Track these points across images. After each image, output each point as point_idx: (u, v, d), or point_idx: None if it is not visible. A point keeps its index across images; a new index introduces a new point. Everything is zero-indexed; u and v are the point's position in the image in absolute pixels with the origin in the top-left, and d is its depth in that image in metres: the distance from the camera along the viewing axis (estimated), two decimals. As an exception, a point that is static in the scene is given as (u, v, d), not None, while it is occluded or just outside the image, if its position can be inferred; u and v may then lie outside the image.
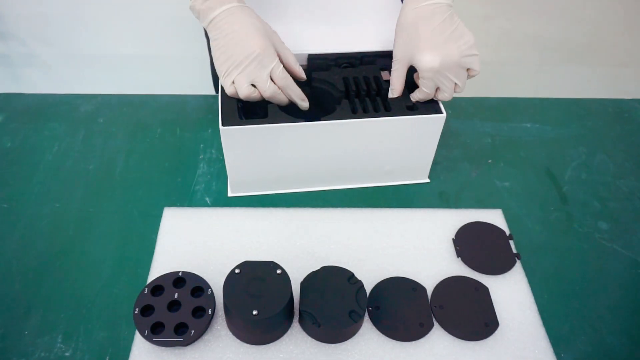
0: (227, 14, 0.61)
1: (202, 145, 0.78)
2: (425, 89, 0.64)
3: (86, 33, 1.76)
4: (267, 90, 0.61)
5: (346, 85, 0.68)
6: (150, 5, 1.63)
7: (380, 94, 0.68)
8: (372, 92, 0.68)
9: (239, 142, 0.63)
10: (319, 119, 0.63)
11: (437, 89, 0.65)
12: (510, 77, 1.89)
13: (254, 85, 0.61)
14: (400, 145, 0.68)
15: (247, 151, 0.65)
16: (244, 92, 0.61)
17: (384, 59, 0.72)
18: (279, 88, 0.63)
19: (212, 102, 0.86)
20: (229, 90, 0.62)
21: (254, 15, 0.63)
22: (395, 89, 0.67)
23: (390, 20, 0.75)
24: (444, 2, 0.63)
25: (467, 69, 0.64)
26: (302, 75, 0.66)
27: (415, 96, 0.66)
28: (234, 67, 0.60)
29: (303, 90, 0.67)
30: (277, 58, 0.62)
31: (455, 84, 0.64)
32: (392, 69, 0.67)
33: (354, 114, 0.65)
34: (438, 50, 0.61)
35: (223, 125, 0.61)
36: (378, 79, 0.69)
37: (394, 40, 0.66)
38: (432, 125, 0.67)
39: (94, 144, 0.78)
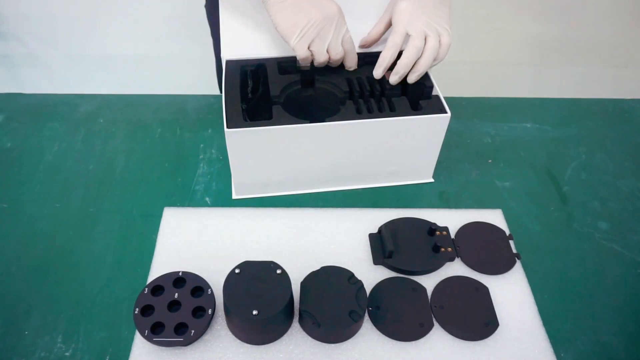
0: None
1: (202, 145, 0.78)
2: (393, 40, 0.63)
3: (86, 33, 1.76)
4: (338, 54, 0.63)
5: (350, 86, 0.68)
6: (150, 6, 1.64)
7: (384, 94, 0.68)
8: (376, 93, 0.68)
9: (244, 144, 0.63)
10: (323, 120, 0.63)
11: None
12: (510, 77, 1.89)
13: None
14: (405, 145, 0.68)
15: (252, 153, 0.65)
16: (321, 59, 0.62)
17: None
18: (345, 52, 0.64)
19: (212, 102, 0.87)
20: (302, 54, 0.62)
21: None
22: (369, 37, 0.68)
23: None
24: None
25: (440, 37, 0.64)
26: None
27: (385, 57, 0.65)
28: (311, 29, 0.60)
29: (306, 92, 0.68)
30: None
31: (427, 37, 0.63)
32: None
33: (358, 114, 0.65)
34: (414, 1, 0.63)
35: (228, 127, 0.61)
36: (381, 79, 0.69)
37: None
38: (436, 125, 0.67)
39: (94, 144, 0.78)
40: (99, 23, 1.72)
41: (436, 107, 0.66)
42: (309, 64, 0.65)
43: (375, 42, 0.70)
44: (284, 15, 0.60)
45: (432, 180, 0.74)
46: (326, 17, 0.60)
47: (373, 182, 0.73)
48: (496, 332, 0.57)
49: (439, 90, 0.68)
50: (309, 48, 0.62)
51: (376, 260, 0.63)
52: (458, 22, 0.69)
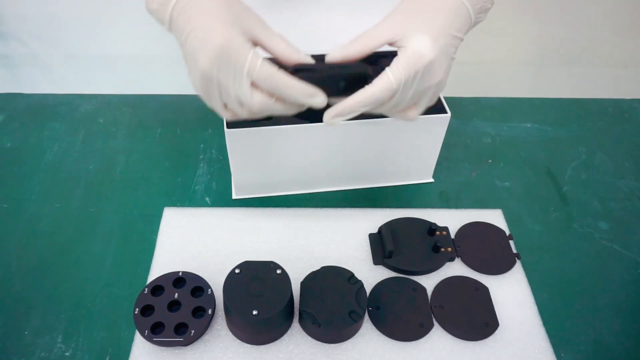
0: (183, 4, 0.46)
1: (202, 145, 0.78)
2: (390, 73, 0.46)
3: (86, 33, 1.76)
4: (254, 103, 0.45)
5: None
6: (150, 5, 1.63)
7: None
8: None
9: (244, 144, 0.63)
10: (323, 120, 0.63)
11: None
12: (510, 77, 1.89)
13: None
14: (405, 145, 0.68)
15: (252, 153, 0.65)
16: (228, 117, 0.48)
17: (388, 59, 0.71)
18: (269, 92, 0.45)
19: (212, 102, 0.86)
20: (227, 116, 0.49)
21: None
22: (349, 50, 0.48)
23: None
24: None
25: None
26: (302, 58, 0.47)
27: (364, 96, 0.47)
28: (210, 85, 0.45)
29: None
30: (251, 47, 0.44)
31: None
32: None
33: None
34: (437, 40, 0.47)
35: (228, 127, 0.61)
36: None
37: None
38: (436, 125, 0.67)
39: (94, 144, 0.78)
40: (99, 23, 1.72)
41: (436, 107, 0.66)
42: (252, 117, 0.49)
43: (353, 59, 0.49)
44: (188, 70, 0.49)
45: (432, 180, 0.74)
46: (200, 80, 0.45)
47: (373, 182, 0.73)
48: (496, 332, 0.57)
49: (439, 90, 0.68)
50: (225, 107, 0.48)
51: (376, 260, 0.63)
52: (458, 22, 0.68)
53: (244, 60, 0.43)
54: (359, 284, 0.56)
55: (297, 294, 0.57)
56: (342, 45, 0.48)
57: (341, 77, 0.48)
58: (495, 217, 0.69)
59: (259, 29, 0.46)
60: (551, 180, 0.76)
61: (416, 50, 0.46)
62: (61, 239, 0.65)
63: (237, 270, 0.55)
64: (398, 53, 0.47)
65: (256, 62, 0.44)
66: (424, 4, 0.49)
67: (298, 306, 0.57)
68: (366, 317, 0.58)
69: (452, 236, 0.66)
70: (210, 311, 0.55)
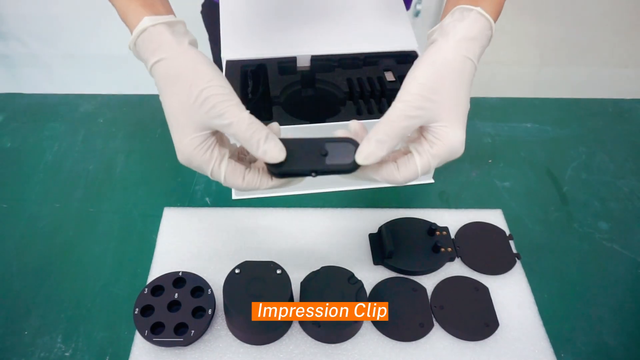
0: (157, 72, 0.45)
1: (202, 145, 0.78)
2: (420, 166, 0.44)
3: (86, 33, 1.76)
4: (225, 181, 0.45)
5: (350, 87, 0.68)
6: (150, 5, 1.63)
7: (385, 95, 0.67)
8: (377, 93, 0.67)
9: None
10: (323, 120, 0.63)
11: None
12: (510, 77, 1.89)
13: None
14: None
15: None
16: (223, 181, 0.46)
17: (388, 59, 0.71)
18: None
19: (212, 102, 0.86)
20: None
21: (184, 71, 0.43)
22: (372, 152, 0.44)
23: (393, 21, 0.75)
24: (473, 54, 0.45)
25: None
26: (275, 155, 0.44)
27: (397, 175, 0.46)
28: (191, 167, 0.46)
29: (306, 92, 0.67)
30: (213, 154, 0.44)
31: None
32: (387, 115, 0.44)
33: (358, 115, 0.65)
34: (465, 123, 0.44)
35: None
36: (382, 79, 0.69)
37: (415, 68, 0.45)
38: None
39: (94, 144, 0.78)
40: (99, 23, 1.72)
41: None
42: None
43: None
44: None
45: (432, 180, 0.74)
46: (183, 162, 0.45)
47: (373, 182, 0.73)
48: (496, 332, 0.57)
49: (439, 90, 0.68)
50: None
51: (376, 260, 0.63)
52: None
53: (207, 173, 0.44)
54: (359, 284, 0.56)
55: (297, 294, 0.57)
56: (364, 153, 0.44)
57: (322, 147, 0.46)
58: (495, 217, 0.69)
59: (217, 119, 0.42)
60: (551, 180, 0.76)
61: (450, 146, 0.44)
62: (61, 239, 0.65)
63: (237, 270, 0.55)
64: (427, 137, 0.44)
65: (220, 175, 0.44)
66: (440, 73, 0.44)
67: (298, 306, 0.57)
68: (366, 317, 0.58)
69: (452, 236, 0.66)
70: (210, 311, 0.55)
